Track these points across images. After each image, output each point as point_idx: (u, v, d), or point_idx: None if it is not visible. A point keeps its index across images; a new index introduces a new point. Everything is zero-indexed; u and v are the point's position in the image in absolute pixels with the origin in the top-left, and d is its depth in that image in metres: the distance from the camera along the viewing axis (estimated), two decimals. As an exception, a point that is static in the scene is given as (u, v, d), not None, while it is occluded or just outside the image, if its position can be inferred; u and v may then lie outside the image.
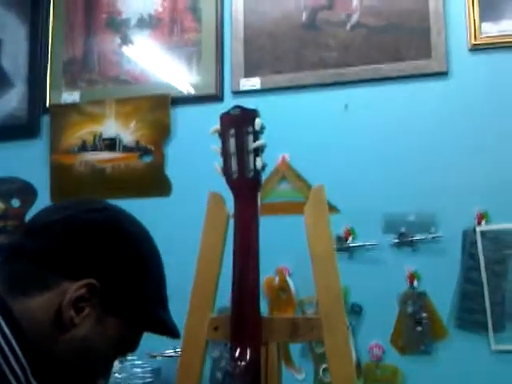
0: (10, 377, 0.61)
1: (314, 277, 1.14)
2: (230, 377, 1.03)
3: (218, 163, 1.17)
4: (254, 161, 1.12)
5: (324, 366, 1.86)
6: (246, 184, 1.14)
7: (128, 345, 0.75)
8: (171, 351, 2.08)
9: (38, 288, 0.67)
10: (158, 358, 1.96)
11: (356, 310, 1.84)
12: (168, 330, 0.78)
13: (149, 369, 1.89)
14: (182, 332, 1.16)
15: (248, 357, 1.09)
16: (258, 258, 1.15)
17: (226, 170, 1.15)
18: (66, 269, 0.68)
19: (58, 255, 0.68)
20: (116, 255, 0.71)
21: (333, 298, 1.14)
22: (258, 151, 1.13)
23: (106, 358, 0.73)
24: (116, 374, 1.88)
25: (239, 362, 1.09)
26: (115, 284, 0.70)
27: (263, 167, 1.14)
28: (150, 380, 1.88)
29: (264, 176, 1.19)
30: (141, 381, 1.87)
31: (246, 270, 1.14)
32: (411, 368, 1.81)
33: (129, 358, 1.94)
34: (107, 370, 0.75)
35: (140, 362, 1.90)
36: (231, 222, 1.19)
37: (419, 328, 1.79)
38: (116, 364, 1.99)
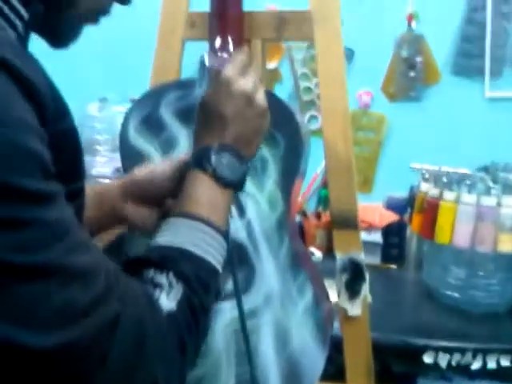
0: None
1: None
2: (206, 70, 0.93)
3: None
4: None
5: (310, 113, 1.81)
6: None
7: None
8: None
9: None
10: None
11: (347, 55, 1.73)
12: None
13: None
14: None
15: (230, 49, 1.00)
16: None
17: None
18: None
19: None
20: None
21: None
22: None
23: None
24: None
25: (220, 53, 0.99)
26: None
27: None
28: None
29: None
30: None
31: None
32: (399, 116, 1.76)
33: (110, 99, 1.88)
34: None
35: (121, 107, 1.83)
36: None
37: (412, 73, 1.70)
38: (96, 107, 1.93)
